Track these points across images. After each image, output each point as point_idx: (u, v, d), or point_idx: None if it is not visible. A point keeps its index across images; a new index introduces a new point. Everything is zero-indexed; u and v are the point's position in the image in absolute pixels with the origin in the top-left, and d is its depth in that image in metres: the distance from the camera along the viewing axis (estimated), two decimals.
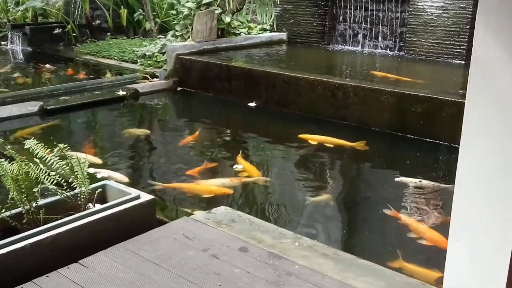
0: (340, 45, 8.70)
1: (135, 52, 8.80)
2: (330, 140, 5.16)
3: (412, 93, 5.41)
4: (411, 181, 4.09)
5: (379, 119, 5.59)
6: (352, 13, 8.51)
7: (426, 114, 5.28)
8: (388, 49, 8.24)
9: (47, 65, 8.76)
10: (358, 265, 2.58)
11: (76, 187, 2.86)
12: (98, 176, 3.96)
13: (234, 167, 4.61)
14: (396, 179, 4.28)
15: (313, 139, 5.22)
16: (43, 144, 2.89)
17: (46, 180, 2.76)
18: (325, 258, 2.62)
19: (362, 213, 3.98)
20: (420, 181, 4.09)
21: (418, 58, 7.67)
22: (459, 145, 1.71)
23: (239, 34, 8.52)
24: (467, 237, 1.72)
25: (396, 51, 8.14)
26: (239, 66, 7.02)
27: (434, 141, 5.22)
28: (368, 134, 5.58)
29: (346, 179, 4.71)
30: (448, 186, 4.04)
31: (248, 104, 6.55)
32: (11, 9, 11.20)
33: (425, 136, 5.28)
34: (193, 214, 3.16)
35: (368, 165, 5.01)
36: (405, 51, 7.93)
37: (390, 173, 4.81)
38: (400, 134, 5.44)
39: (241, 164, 4.59)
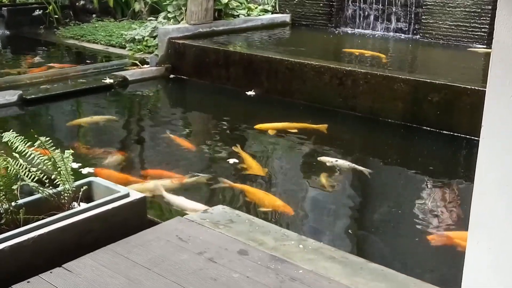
0: (349, 28, 8.69)
1: (124, 36, 8.79)
2: (291, 126, 5.30)
3: (428, 80, 5.41)
4: (329, 160, 4.62)
5: (392, 109, 5.60)
6: None
7: (443, 103, 5.29)
8: (401, 32, 8.22)
9: (36, 58, 8.59)
10: (368, 269, 2.59)
11: (59, 184, 2.87)
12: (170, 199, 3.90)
13: (228, 161, 4.62)
14: (318, 158, 4.69)
15: (271, 127, 5.31)
16: (22, 137, 2.89)
17: (27, 176, 2.77)
18: (332, 262, 2.63)
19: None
20: (337, 160, 4.59)
21: (434, 42, 7.67)
22: (479, 138, 1.71)
23: (238, 16, 8.51)
24: (488, 238, 1.73)
25: (410, 34, 8.13)
26: (238, 51, 7.02)
27: (451, 133, 5.23)
28: (380, 126, 5.59)
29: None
30: (364, 169, 4.47)
31: (247, 93, 6.56)
32: None
33: (441, 128, 5.29)
34: (187, 214, 3.17)
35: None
36: (421, 34, 7.92)
37: (403, 170, 4.83)
38: (414, 125, 5.44)
39: (244, 158, 4.60)
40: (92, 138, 5.52)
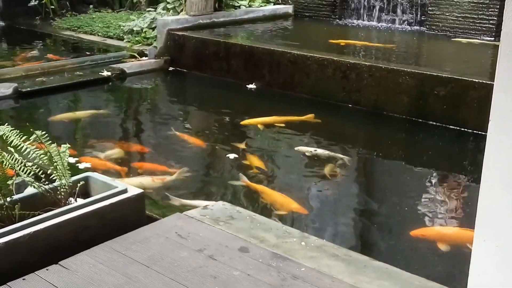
0: (353, 20, 8.67)
1: (121, 28, 8.78)
2: (278, 119, 5.33)
3: (435, 74, 5.40)
4: (308, 150, 4.74)
5: (397, 103, 5.59)
6: None
7: (450, 97, 5.28)
8: (407, 24, 8.21)
9: (31, 52, 8.43)
10: (372, 267, 2.59)
11: (55, 180, 2.87)
12: None
13: (228, 156, 4.63)
14: (296, 148, 4.81)
15: (258, 122, 5.33)
16: (17, 131, 2.90)
17: (22, 171, 2.77)
18: (335, 260, 2.63)
19: None
20: (315, 150, 4.71)
21: (441, 34, 7.65)
22: (486, 133, 1.71)
23: (239, 7, 8.49)
24: (495, 236, 1.73)
25: (416, 26, 8.11)
26: (239, 44, 7.01)
27: (458, 128, 5.22)
28: (385, 121, 5.59)
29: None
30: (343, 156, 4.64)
31: (247, 86, 6.55)
32: None
33: (448, 122, 5.28)
34: (187, 210, 3.18)
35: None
36: (427, 26, 7.90)
37: (408, 166, 4.83)
38: (420, 120, 5.44)
39: (247, 156, 4.61)
40: (71, 134, 5.46)
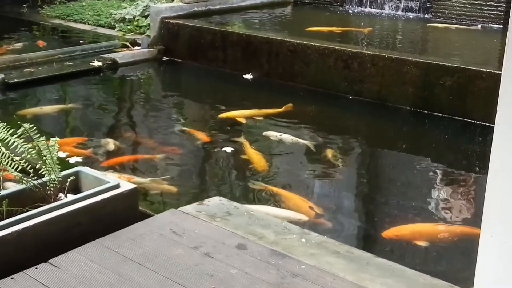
0: (355, 7, 8.65)
1: (113, 16, 8.75)
2: (257, 113, 5.37)
3: (440, 63, 5.40)
4: (274, 134, 4.94)
5: (401, 94, 5.59)
6: None
7: (456, 88, 5.28)
8: (411, 11, 8.19)
9: (17, 44, 8.32)
10: (375, 264, 2.60)
11: (44, 175, 2.87)
12: None
13: (223, 149, 4.64)
14: (263, 133, 4.97)
15: (236, 115, 5.33)
16: (4, 124, 2.89)
17: (10, 166, 2.77)
18: (336, 257, 2.64)
19: None
20: (281, 135, 4.88)
21: (448, 22, 7.63)
22: (494, 124, 1.71)
23: None
24: (502, 231, 1.73)
25: (421, 13, 8.10)
26: (236, 32, 6.99)
27: (465, 119, 5.22)
28: (388, 112, 5.59)
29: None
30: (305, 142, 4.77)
31: (243, 76, 6.54)
32: None
33: (454, 114, 5.28)
34: (182, 206, 3.18)
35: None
36: (432, 13, 7.88)
37: (412, 159, 4.84)
38: (425, 111, 5.44)
39: (246, 151, 4.60)
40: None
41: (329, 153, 4.54)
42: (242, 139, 4.78)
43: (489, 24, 7.34)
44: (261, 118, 5.31)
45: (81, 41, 8.02)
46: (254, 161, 4.44)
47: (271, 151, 4.77)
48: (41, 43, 7.91)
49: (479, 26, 7.33)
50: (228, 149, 4.64)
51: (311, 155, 4.67)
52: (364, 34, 7.02)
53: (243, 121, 5.25)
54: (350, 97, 5.86)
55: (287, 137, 4.83)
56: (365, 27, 7.33)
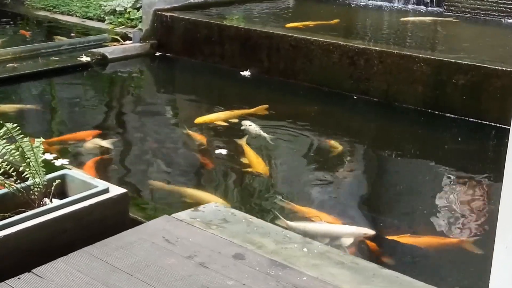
0: (362, 0, 8.67)
1: (103, 7, 8.76)
2: (232, 114, 5.43)
3: (453, 60, 5.40)
4: (245, 123, 5.21)
5: (411, 93, 5.60)
6: None
7: (470, 87, 5.29)
8: (423, 5, 8.21)
9: None
10: (381, 276, 2.60)
11: (28, 178, 2.87)
12: None
13: (217, 152, 4.66)
14: (242, 127, 5.16)
15: (213, 119, 5.37)
16: None
17: None
18: (340, 268, 2.64)
19: None
20: (250, 125, 5.15)
21: (461, 16, 7.65)
22: (510, 126, 1.71)
23: None
24: None
25: (433, 7, 8.11)
26: (234, 26, 7.00)
27: (479, 121, 5.23)
28: (397, 112, 5.60)
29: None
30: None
31: (241, 73, 6.55)
32: None
33: (468, 115, 5.29)
34: (175, 212, 3.18)
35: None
36: (445, 7, 7.90)
37: (423, 162, 4.85)
38: (436, 112, 5.45)
39: (246, 153, 4.61)
40: None
41: (334, 153, 4.57)
42: (241, 141, 4.79)
43: (505, 19, 7.35)
44: (236, 120, 5.30)
45: (71, 34, 8.01)
46: (253, 164, 4.45)
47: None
48: (25, 33, 7.87)
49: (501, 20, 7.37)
50: (223, 151, 4.66)
51: (313, 156, 4.68)
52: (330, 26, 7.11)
53: (223, 123, 5.28)
54: (356, 96, 5.87)
55: (253, 128, 5.06)
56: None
